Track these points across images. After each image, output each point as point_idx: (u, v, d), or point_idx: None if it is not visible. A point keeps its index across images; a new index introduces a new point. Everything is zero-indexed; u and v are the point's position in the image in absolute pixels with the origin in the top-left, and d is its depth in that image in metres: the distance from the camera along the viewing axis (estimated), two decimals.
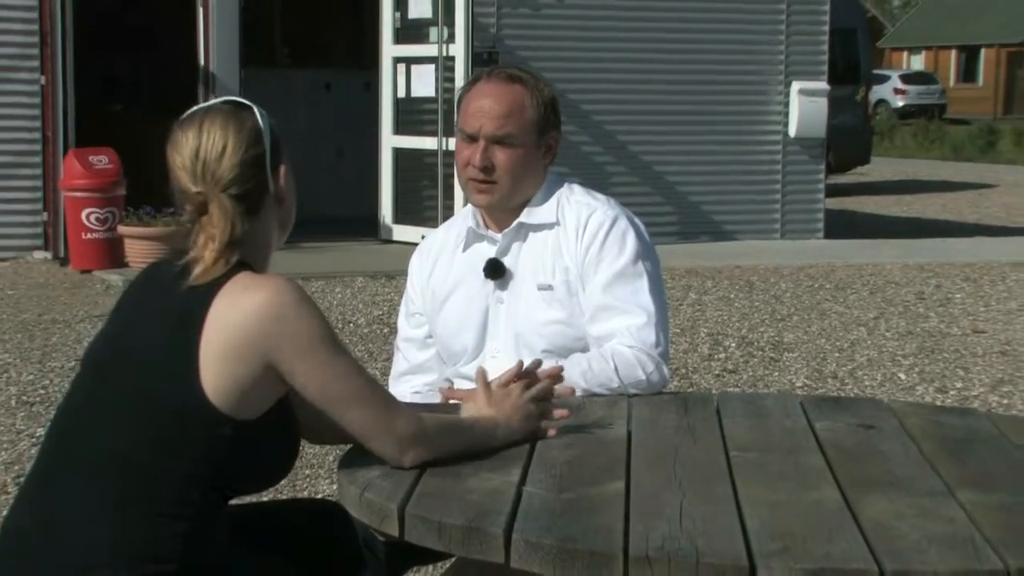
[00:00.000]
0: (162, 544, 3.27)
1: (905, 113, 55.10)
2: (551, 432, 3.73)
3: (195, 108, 3.55)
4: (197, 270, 3.28)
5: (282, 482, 3.71)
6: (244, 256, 3.37)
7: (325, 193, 16.55)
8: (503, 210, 4.47)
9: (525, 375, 3.81)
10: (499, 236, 4.48)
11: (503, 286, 4.47)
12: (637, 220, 4.52)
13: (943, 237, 20.02)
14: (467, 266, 4.52)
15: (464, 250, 4.56)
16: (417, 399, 4.32)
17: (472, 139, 4.35)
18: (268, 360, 3.28)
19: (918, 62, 69.75)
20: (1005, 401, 9.78)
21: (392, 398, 3.58)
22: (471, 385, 3.96)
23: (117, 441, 3.35)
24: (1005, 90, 65.33)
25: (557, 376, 3.96)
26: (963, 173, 34.43)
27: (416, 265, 4.72)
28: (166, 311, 3.39)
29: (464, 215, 4.62)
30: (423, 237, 5.02)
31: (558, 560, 3.06)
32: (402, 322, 4.76)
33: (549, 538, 3.07)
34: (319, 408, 3.41)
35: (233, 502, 3.59)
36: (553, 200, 4.48)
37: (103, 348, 3.56)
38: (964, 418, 4.39)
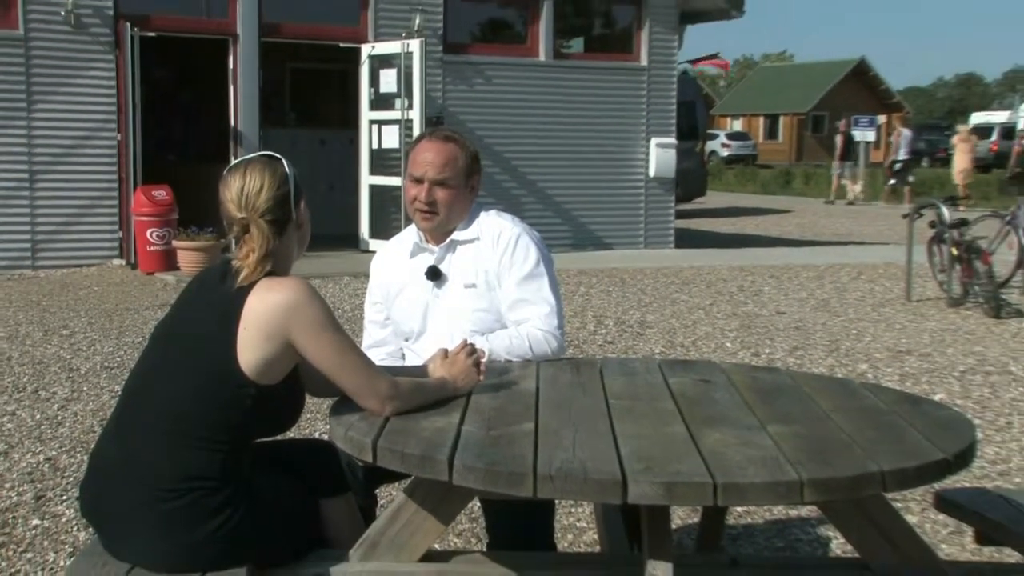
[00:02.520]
0: (205, 468, 3.35)
1: (729, 160, 55.38)
2: (481, 378, 3.81)
3: (240, 159, 3.64)
4: (243, 274, 3.40)
5: (292, 428, 3.67)
6: (274, 265, 3.48)
7: (321, 217, 16.22)
8: (440, 231, 4.50)
9: (467, 347, 3.87)
10: (436, 249, 4.52)
11: (440, 285, 4.49)
12: (536, 234, 4.59)
13: (756, 247, 20.08)
14: (413, 270, 4.54)
15: (411, 257, 4.58)
16: (386, 364, 4.29)
17: (419, 181, 4.38)
18: (288, 339, 3.38)
19: (738, 125, 70.35)
20: (799, 362, 9.83)
21: (375, 366, 3.62)
22: (419, 356, 4.24)
23: (173, 396, 3.42)
24: (797, 144, 66.43)
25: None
26: (769, 203, 34.64)
27: (375, 267, 4.75)
28: (212, 303, 3.48)
29: (410, 231, 4.63)
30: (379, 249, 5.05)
31: (486, 478, 3.09)
32: (367, 308, 4.77)
33: (480, 463, 3.11)
34: (323, 372, 3.47)
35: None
36: (475, 222, 4.53)
37: (165, 328, 3.62)
38: (771, 374, 4.41)
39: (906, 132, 33.27)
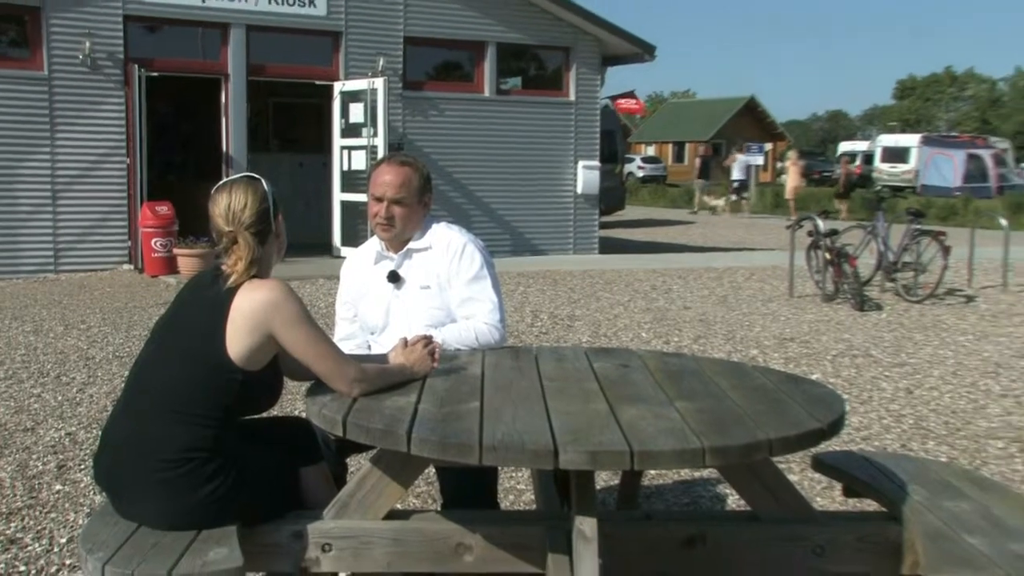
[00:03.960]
0: (200, 441, 3.34)
1: (644, 180, 55.58)
2: (435, 364, 3.81)
3: (225, 180, 3.64)
4: (232, 278, 3.41)
5: (273, 407, 3.64)
6: (257, 269, 3.47)
7: (300, 228, 16.27)
8: (397, 242, 4.52)
9: (424, 339, 3.89)
10: (396, 256, 4.52)
11: (399, 287, 4.49)
12: (480, 243, 4.59)
13: (666, 253, 20.15)
14: (376, 274, 4.55)
15: (374, 264, 4.59)
16: (355, 354, 4.27)
17: (379, 200, 4.42)
18: (269, 331, 3.39)
19: (651, 150, 70.56)
20: (701, 348, 9.86)
21: (344, 354, 3.62)
22: (382, 347, 4.22)
23: (172, 381, 3.40)
24: (700, 167, 66.70)
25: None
26: (677, 216, 34.76)
27: (345, 272, 4.75)
28: (205, 301, 3.46)
29: (373, 241, 4.64)
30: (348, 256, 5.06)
31: (439, 449, 3.08)
32: (338, 306, 4.77)
33: (434, 436, 3.09)
34: (299, 360, 3.48)
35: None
36: (428, 233, 4.54)
37: (165, 323, 3.60)
38: (678, 359, 4.40)
39: (740, 157, 35.58)
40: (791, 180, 33.94)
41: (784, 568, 3.63)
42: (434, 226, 4.57)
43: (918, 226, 13.91)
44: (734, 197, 35.77)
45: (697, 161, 39.96)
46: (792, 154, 36.41)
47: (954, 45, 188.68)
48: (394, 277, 4.49)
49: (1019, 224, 20.53)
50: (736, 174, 35.72)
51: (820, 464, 4.26)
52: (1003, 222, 16.26)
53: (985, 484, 4.08)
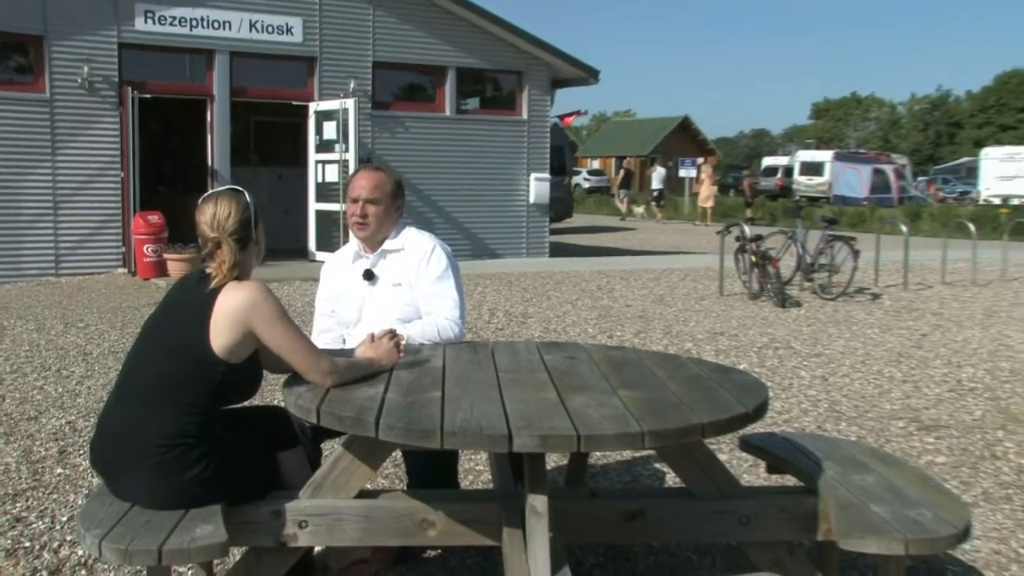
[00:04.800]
0: (187, 428, 3.33)
1: (589, 191, 55.61)
2: (400, 357, 3.79)
3: (212, 191, 3.63)
4: (216, 279, 3.40)
5: (253, 397, 3.61)
6: (238, 272, 3.47)
7: (279, 235, 16.33)
8: (373, 242, 4.52)
9: (389, 333, 3.85)
10: (371, 256, 4.53)
11: (373, 284, 4.49)
12: (447, 247, 4.60)
13: (610, 256, 20.20)
14: (353, 273, 4.54)
15: (352, 263, 4.59)
16: (330, 347, 4.26)
17: (355, 201, 4.45)
18: (249, 328, 3.37)
19: (596, 163, 70.57)
20: (642, 342, 9.87)
21: (318, 349, 3.61)
22: (357, 340, 4.12)
23: (161, 373, 3.39)
24: (640, 180, 66.73)
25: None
26: (619, 223, 34.84)
27: (325, 272, 4.74)
28: (191, 301, 3.44)
29: (351, 244, 4.63)
30: (328, 258, 5.07)
31: (405, 434, 3.07)
32: (318, 303, 4.73)
33: (399, 423, 3.08)
34: (277, 354, 3.46)
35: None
36: (400, 236, 4.55)
37: (154, 320, 3.58)
38: (621, 352, 4.40)
39: (660, 170, 39.00)
40: (704, 190, 34.92)
41: (715, 537, 3.66)
42: (405, 230, 4.58)
43: (831, 232, 14.03)
44: (654, 204, 37.31)
45: (621, 172, 41.94)
46: (707, 168, 37.78)
47: (861, 71, 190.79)
48: (369, 275, 4.49)
49: (917, 230, 20.77)
50: (655, 184, 37.82)
51: (746, 444, 4.30)
52: (904, 229, 16.44)
53: (888, 459, 4.13)
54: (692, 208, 37.48)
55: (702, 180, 35.62)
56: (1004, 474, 5.89)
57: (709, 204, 34.10)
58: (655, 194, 37.92)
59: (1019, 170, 42.43)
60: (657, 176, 38.23)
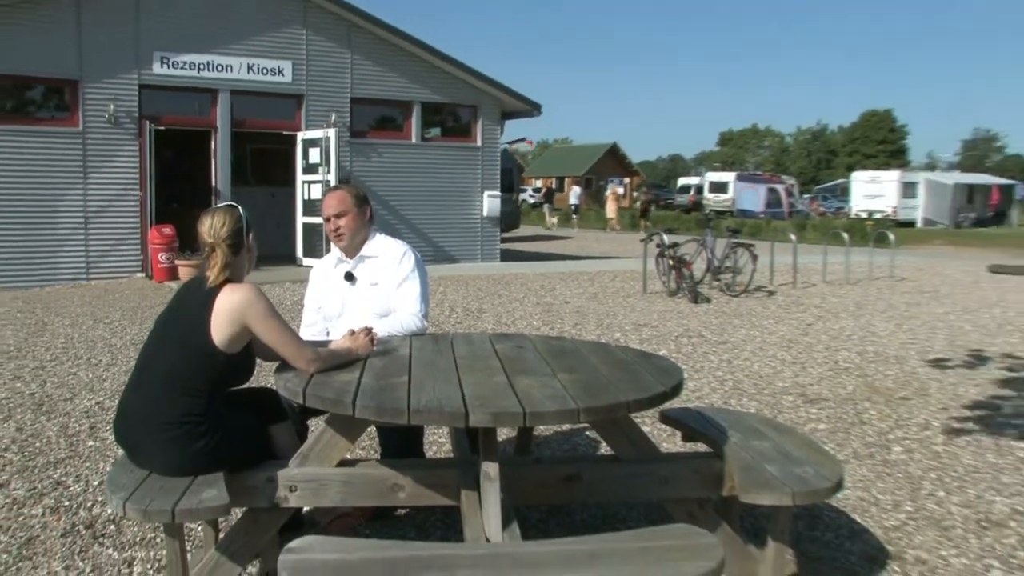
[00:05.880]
0: (193, 408, 3.29)
1: (533, 205, 55.48)
2: (374, 347, 3.76)
3: (210, 208, 3.62)
4: (211, 278, 3.38)
5: (249, 381, 3.57)
6: (232, 275, 3.45)
7: (271, 244, 16.30)
8: (351, 248, 4.49)
9: (365, 328, 3.82)
10: (351, 261, 4.50)
11: (353, 285, 4.45)
12: (417, 253, 4.56)
13: (551, 260, 20.23)
14: (336, 275, 4.51)
15: (335, 267, 4.54)
16: (315, 338, 4.22)
17: (328, 219, 4.46)
18: (244, 323, 3.35)
19: (539, 183, 70.45)
20: (578, 333, 9.88)
21: (303, 341, 3.58)
22: (339, 332, 4.13)
23: (171, 361, 3.35)
24: (544, 194, 66.84)
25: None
26: (559, 232, 34.90)
27: (313, 274, 4.68)
28: (195, 300, 3.40)
29: (335, 251, 4.58)
30: (315, 264, 5.03)
31: (377, 412, 3.04)
32: (306, 300, 4.69)
33: (373, 403, 3.05)
34: (268, 345, 3.43)
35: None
36: (375, 242, 4.52)
37: (164, 317, 3.53)
38: (560, 341, 4.39)
39: (576, 188, 40.68)
40: (610, 205, 36.34)
41: (639, 495, 3.66)
42: (380, 237, 4.55)
43: (735, 240, 14.16)
44: (574, 216, 39.03)
45: (543, 190, 43.62)
46: (611, 187, 38.95)
47: (759, 106, 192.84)
48: (349, 277, 4.46)
49: (803, 239, 20.98)
50: (572, 200, 39.89)
51: (665, 418, 4.32)
52: (792, 237, 16.63)
53: (780, 428, 4.16)
54: (624, 220, 37.90)
55: (607, 198, 36.60)
56: (869, 436, 5.98)
57: (615, 216, 35.68)
58: (573, 208, 39.32)
59: (881, 190, 43.17)
60: (574, 193, 40.25)
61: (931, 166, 77.73)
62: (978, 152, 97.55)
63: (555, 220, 38.14)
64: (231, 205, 3.60)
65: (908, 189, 42.51)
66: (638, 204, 41.17)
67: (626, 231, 34.51)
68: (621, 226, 34.95)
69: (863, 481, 5.07)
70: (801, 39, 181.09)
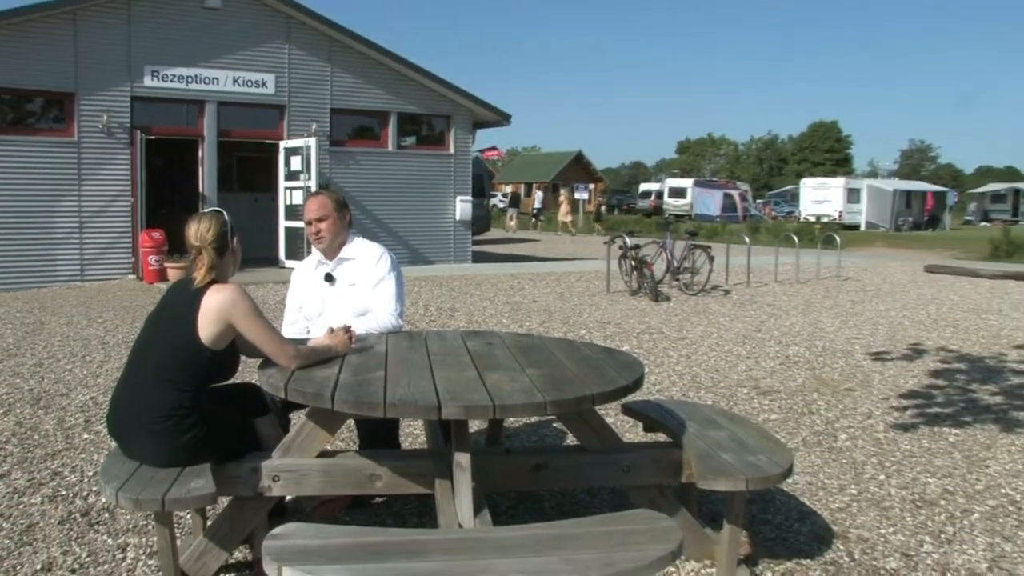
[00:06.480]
0: (181, 402, 3.26)
1: (503, 210, 55.56)
2: (352, 345, 3.75)
3: (197, 213, 3.57)
4: (197, 279, 3.34)
5: (233, 377, 3.54)
6: (217, 276, 3.42)
7: (255, 245, 16.28)
8: (331, 250, 4.45)
9: (344, 327, 3.83)
10: (330, 263, 4.45)
11: (333, 285, 4.41)
12: (393, 255, 4.52)
13: (520, 262, 20.22)
14: (317, 277, 4.47)
15: (315, 269, 4.51)
16: (296, 336, 4.18)
17: (309, 223, 4.40)
18: (229, 322, 3.32)
19: (508, 188, 70.34)
20: (546, 330, 9.88)
21: (285, 338, 3.55)
22: (319, 330, 4.11)
23: (160, 358, 3.32)
24: (510, 199, 66.78)
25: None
26: (528, 235, 34.92)
27: (295, 276, 4.63)
28: (183, 300, 3.37)
29: (315, 253, 4.53)
30: (296, 266, 4.99)
31: (355, 406, 3.03)
32: (288, 300, 4.63)
33: (351, 397, 3.04)
34: (252, 342, 3.40)
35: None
36: (353, 245, 4.47)
37: (153, 316, 3.50)
38: (528, 338, 4.39)
39: (539, 193, 41.38)
40: (563, 209, 36.54)
41: (603, 483, 3.67)
42: (357, 240, 4.50)
43: (693, 242, 14.23)
44: (535, 219, 39.43)
45: (509, 196, 44.09)
46: (565, 192, 39.05)
47: (715, 117, 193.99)
48: (329, 278, 4.42)
49: (756, 241, 21.11)
50: (536, 204, 40.28)
51: (628, 410, 4.32)
52: (747, 240, 16.74)
53: (735, 418, 4.18)
54: (589, 223, 38.06)
55: (561, 202, 36.96)
56: (816, 425, 6.03)
57: (568, 219, 35.89)
58: (535, 211, 39.66)
59: (827, 196, 43.60)
60: (538, 198, 40.39)
61: (873, 174, 78.43)
62: (914, 161, 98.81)
63: (514, 223, 38.39)
64: (216, 210, 3.57)
65: (852, 195, 42.93)
66: (591, 209, 41.66)
67: (580, 233, 35.21)
68: (576, 229, 35.49)
69: (811, 467, 5.11)
70: (753, 53, 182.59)
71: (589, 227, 37.03)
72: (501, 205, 58.49)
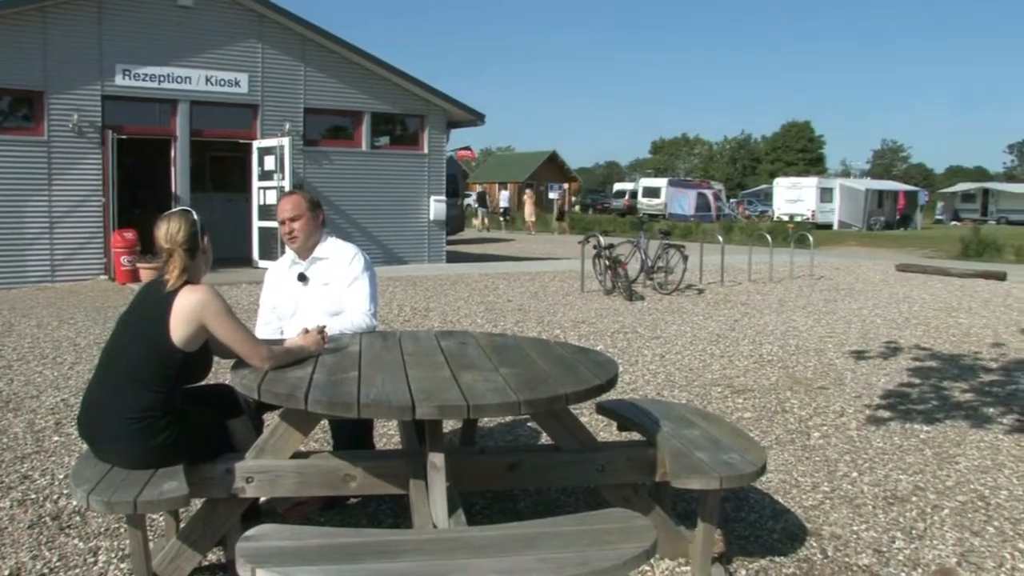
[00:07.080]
0: (153, 404, 3.24)
1: (475, 210, 55.64)
2: (325, 345, 3.74)
3: (166, 212, 3.54)
4: (170, 282, 3.31)
5: (207, 378, 3.51)
6: (190, 276, 3.38)
7: (229, 246, 16.16)
8: (304, 250, 4.44)
9: (317, 327, 3.80)
10: (304, 263, 4.44)
11: (306, 285, 4.41)
12: (366, 255, 4.51)
13: (494, 261, 20.20)
14: (290, 277, 4.46)
15: (288, 269, 4.50)
16: (270, 336, 4.17)
17: (283, 223, 4.39)
18: (201, 323, 3.29)
19: (480, 188, 70.36)
20: (520, 329, 9.88)
21: (258, 339, 3.53)
22: (293, 330, 4.09)
23: (132, 359, 3.29)
24: (517, 200, 66.68)
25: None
26: (501, 235, 34.92)
27: (268, 276, 4.62)
28: (155, 301, 3.34)
29: (289, 254, 4.52)
30: (270, 266, 4.96)
31: (328, 407, 3.02)
32: (262, 300, 4.62)
33: (324, 397, 3.02)
34: (224, 343, 3.37)
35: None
36: (326, 245, 4.46)
37: (125, 317, 3.47)
38: (502, 338, 4.39)
39: (505, 193, 41.34)
40: (527, 208, 36.94)
41: (577, 482, 3.67)
42: (331, 240, 4.50)
43: (667, 241, 14.29)
44: (502, 219, 39.86)
45: (476, 195, 44.65)
46: (528, 191, 39.49)
47: (689, 117, 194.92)
48: (302, 278, 4.41)
49: (730, 240, 21.26)
50: (503, 203, 40.99)
51: (602, 409, 4.34)
52: (720, 239, 16.84)
53: (709, 417, 4.20)
54: (564, 224, 38.16)
55: (524, 202, 37.19)
56: (790, 424, 6.08)
57: (532, 219, 36.38)
58: (502, 210, 40.28)
59: (800, 195, 43.98)
60: (504, 197, 41.39)
61: (845, 173, 79.13)
62: (886, 161, 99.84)
63: (481, 223, 38.50)
64: (185, 209, 3.53)
65: (825, 194, 43.32)
66: (555, 208, 42.23)
67: (538, 232, 35.92)
68: (535, 229, 36.02)
69: (785, 465, 5.15)
70: (727, 54, 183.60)
71: (549, 225, 37.60)
72: (475, 206, 58.65)
